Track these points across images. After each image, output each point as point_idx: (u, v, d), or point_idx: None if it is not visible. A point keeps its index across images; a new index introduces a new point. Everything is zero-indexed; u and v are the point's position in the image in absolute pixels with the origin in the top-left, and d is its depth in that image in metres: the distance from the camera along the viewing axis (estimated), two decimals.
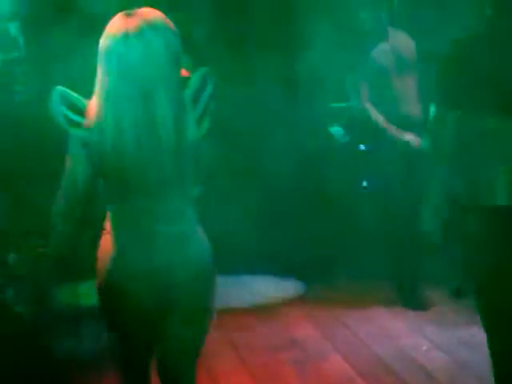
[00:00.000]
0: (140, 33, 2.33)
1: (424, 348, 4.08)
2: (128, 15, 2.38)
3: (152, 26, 2.36)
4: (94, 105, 2.40)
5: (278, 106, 6.05)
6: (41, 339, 4.06)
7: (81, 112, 2.40)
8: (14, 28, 5.74)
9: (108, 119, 2.36)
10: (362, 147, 5.58)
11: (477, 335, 3.80)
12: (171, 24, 2.42)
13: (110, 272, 2.40)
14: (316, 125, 6.12)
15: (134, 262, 2.38)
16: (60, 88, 2.41)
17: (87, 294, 5.30)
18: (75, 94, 2.43)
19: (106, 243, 2.45)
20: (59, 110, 2.39)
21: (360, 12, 5.06)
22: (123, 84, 2.35)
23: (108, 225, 2.46)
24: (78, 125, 2.39)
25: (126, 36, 2.33)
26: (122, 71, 2.34)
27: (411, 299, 4.73)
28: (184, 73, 2.46)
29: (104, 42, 2.37)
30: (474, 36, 2.90)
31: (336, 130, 5.92)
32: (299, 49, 5.95)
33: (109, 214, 2.47)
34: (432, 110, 2.90)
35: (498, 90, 2.71)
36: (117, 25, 2.37)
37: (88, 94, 2.61)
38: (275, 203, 5.98)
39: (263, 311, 4.82)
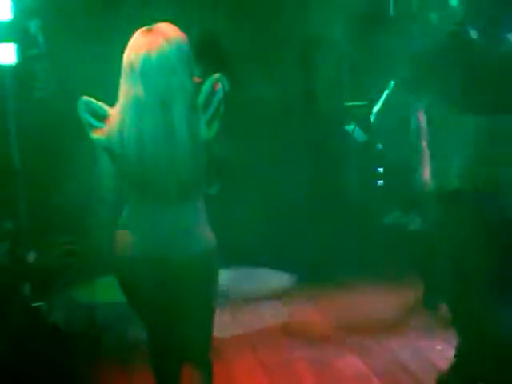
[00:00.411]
0: (160, 49, 2.61)
1: (438, 348, 4.08)
2: (148, 31, 2.66)
3: (170, 41, 2.63)
4: (116, 112, 2.66)
5: (296, 105, 6.07)
6: (58, 335, 4.10)
7: (103, 119, 2.66)
8: (34, 26, 5.78)
9: (131, 126, 2.61)
10: (380, 146, 5.58)
11: None
12: (184, 36, 2.69)
13: (127, 262, 2.68)
14: (333, 124, 6.13)
15: (151, 252, 2.64)
16: (85, 98, 2.68)
17: (104, 291, 5.37)
18: (98, 103, 2.69)
19: (123, 238, 2.70)
20: (84, 117, 2.67)
21: None
22: (145, 95, 2.60)
23: (124, 220, 2.73)
24: (99, 130, 2.66)
25: (148, 53, 2.60)
26: (144, 83, 2.60)
27: (434, 301, 4.69)
28: (195, 79, 2.70)
29: (128, 57, 2.64)
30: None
31: (353, 129, 5.93)
32: (316, 48, 5.96)
33: (126, 210, 2.73)
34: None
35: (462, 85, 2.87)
36: (139, 42, 2.64)
37: (105, 90, 2.84)
38: (292, 203, 6.02)
39: (280, 309, 4.83)
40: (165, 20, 2.84)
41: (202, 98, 2.64)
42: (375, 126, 3.33)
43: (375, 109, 3.34)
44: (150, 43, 2.62)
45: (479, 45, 2.87)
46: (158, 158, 2.61)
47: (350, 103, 6.11)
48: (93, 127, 2.67)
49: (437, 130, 3.02)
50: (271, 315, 4.74)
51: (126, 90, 2.64)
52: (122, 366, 4.00)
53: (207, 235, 2.74)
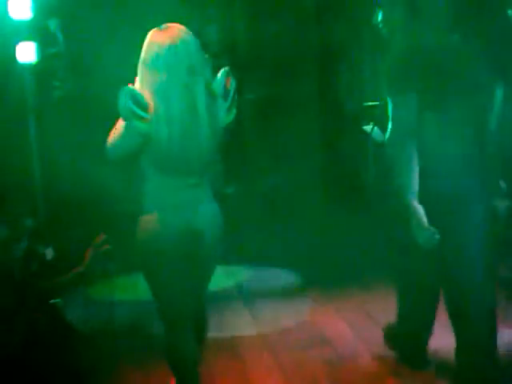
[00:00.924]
0: (182, 39, 2.92)
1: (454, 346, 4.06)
2: (164, 29, 2.95)
3: (187, 34, 2.97)
4: (148, 100, 2.89)
5: (314, 104, 6.06)
6: (74, 332, 4.11)
7: (144, 108, 2.88)
8: (53, 24, 5.82)
9: (161, 111, 2.89)
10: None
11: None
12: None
13: (155, 233, 2.97)
14: (352, 124, 6.12)
15: (176, 224, 2.98)
16: (128, 87, 2.88)
17: (121, 289, 5.40)
18: (140, 93, 2.89)
19: (151, 215, 2.98)
20: (127, 106, 2.86)
21: None
22: (171, 81, 2.89)
23: (151, 200, 3.01)
24: (141, 118, 2.88)
25: (170, 43, 2.90)
26: (170, 71, 2.89)
27: None
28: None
29: (152, 50, 2.91)
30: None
31: (372, 129, 5.91)
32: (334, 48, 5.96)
33: (151, 193, 3.01)
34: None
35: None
36: (160, 36, 2.93)
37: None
38: (309, 204, 6.02)
39: (293, 309, 4.83)
40: (174, 20, 3.04)
41: (218, 86, 3.00)
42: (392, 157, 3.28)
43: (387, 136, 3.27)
44: (171, 36, 2.91)
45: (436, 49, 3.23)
46: (185, 139, 2.93)
47: (369, 103, 6.09)
48: (136, 116, 2.87)
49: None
50: (287, 315, 4.74)
51: (152, 78, 2.91)
52: (138, 364, 4.01)
53: (218, 206, 3.13)
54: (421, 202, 3.14)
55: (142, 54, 2.95)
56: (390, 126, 3.26)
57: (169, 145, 2.91)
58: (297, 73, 6.21)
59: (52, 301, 3.76)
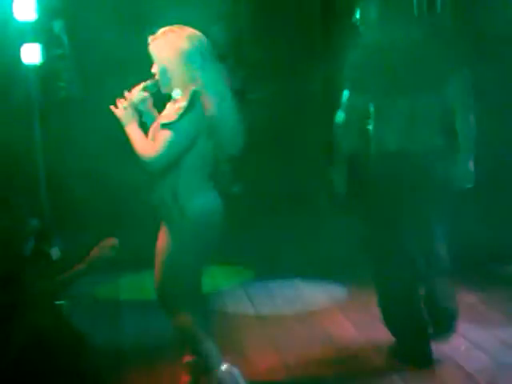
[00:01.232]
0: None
1: (462, 348, 4.04)
2: (176, 27, 3.25)
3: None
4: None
5: (318, 103, 6.06)
6: (80, 333, 4.11)
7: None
8: (58, 26, 5.83)
9: (209, 104, 3.21)
10: None
11: None
12: None
13: (211, 211, 3.32)
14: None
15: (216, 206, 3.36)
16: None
17: (127, 289, 5.40)
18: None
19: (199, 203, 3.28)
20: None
21: None
22: (210, 72, 3.23)
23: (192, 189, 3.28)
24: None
25: (200, 36, 3.25)
26: (211, 61, 3.26)
27: None
28: None
29: (189, 45, 3.19)
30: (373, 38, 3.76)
31: None
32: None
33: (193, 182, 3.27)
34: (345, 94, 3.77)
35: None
36: (188, 32, 3.23)
37: (128, 88, 3.14)
38: (314, 202, 6.01)
39: (305, 313, 4.81)
40: (179, 21, 3.22)
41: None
42: (340, 137, 3.83)
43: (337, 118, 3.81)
44: (194, 31, 3.24)
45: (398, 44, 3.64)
46: (223, 126, 3.29)
47: None
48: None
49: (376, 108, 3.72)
50: (292, 314, 4.74)
51: (191, 72, 3.20)
52: (144, 364, 4.01)
53: None
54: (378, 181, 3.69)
55: (178, 54, 3.18)
56: (341, 110, 3.76)
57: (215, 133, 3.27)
58: (303, 72, 6.20)
59: (57, 302, 3.76)
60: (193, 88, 3.18)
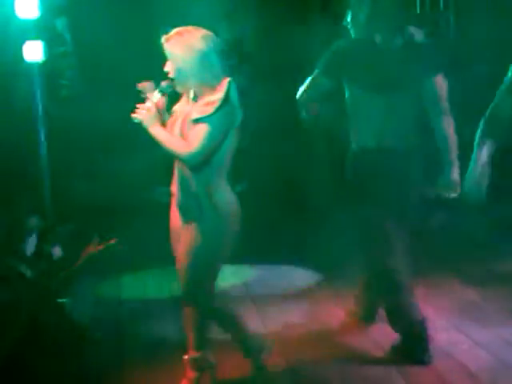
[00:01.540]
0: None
1: (464, 346, 4.04)
2: (186, 28, 3.23)
3: None
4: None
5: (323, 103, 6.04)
6: (82, 331, 4.12)
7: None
8: (60, 24, 5.83)
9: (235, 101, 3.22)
10: None
11: None
12: None
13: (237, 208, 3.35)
14: None
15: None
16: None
17: (129, 288, 5.40)
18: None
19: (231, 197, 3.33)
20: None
21: None
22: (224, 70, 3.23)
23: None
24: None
25: (215, 36, 3.25)
26: (220, 60, 3.23)
27: None
28: None
29: (205, 44, 3.18)
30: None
31: None
32: None
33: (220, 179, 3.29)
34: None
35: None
36: (202, 32, 3.23)
37: (132, 86, 3.16)
38: (319, 201, 6.01)
39: (301, 306, 4.82)
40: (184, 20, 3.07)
41: None
42: (300, 102, 3.98)
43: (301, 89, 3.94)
44: (207, 32, 3.23)
45: (379, 46, 3.76)
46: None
47: None
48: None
49: (355, 104, 3.83)
50: (295, 312, 4.74)
51: (210, 69, 3.19)
52: (146, 363, 4.01)
53: None
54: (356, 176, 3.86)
55: (196, 53, 3.17)
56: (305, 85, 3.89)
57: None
58: (306, 74, 6.20)
59: (60, 299, 3.78)
60: (228, 80, 3.20)
